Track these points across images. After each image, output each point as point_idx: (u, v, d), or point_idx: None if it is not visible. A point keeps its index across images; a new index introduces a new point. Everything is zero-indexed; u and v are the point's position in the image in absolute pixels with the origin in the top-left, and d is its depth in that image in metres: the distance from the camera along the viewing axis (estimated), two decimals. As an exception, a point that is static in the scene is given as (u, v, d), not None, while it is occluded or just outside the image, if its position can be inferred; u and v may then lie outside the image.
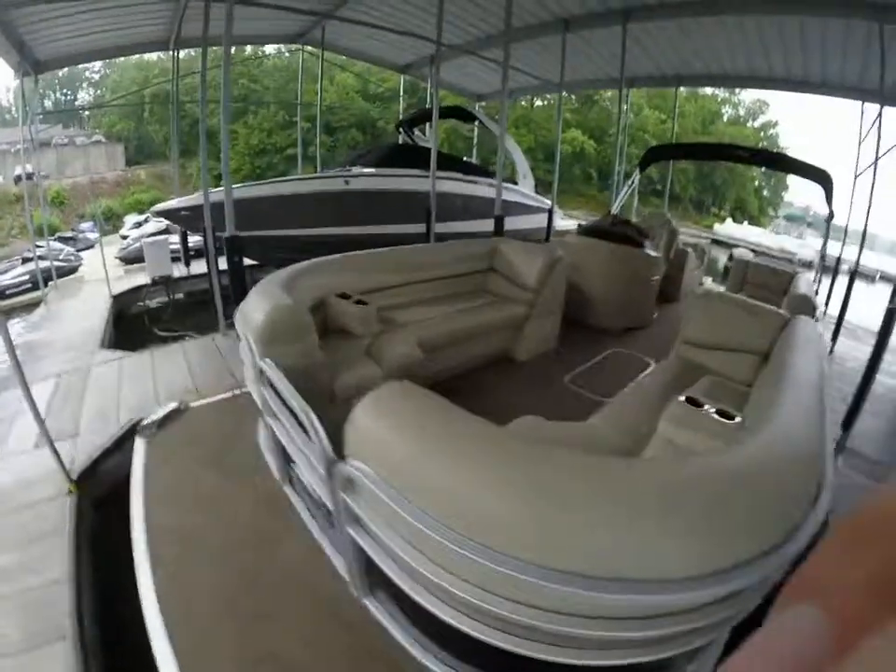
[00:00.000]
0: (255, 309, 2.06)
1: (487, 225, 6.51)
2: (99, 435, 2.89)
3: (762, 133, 28.75)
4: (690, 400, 1.82)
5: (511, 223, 7.19)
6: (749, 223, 24.78)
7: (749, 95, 27.78)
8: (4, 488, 2.54)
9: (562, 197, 11.87)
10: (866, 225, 6.34)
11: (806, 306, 3.98)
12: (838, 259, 7.41)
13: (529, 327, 3.50)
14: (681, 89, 10.73)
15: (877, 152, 6.10)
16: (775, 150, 6.17)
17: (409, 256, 3.30)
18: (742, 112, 29.25)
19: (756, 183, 29.18)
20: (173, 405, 2.79)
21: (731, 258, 8.77)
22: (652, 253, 4.73)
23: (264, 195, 6.37)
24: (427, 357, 2.70)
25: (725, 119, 28.88)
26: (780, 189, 30.36)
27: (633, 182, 7.15)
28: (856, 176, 6.59)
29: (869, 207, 6.17)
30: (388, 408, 1.32)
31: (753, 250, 15.47)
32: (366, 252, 3.07)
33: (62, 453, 2.51)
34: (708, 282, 7.80)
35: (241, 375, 2.61)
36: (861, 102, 6.99)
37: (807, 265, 18.15)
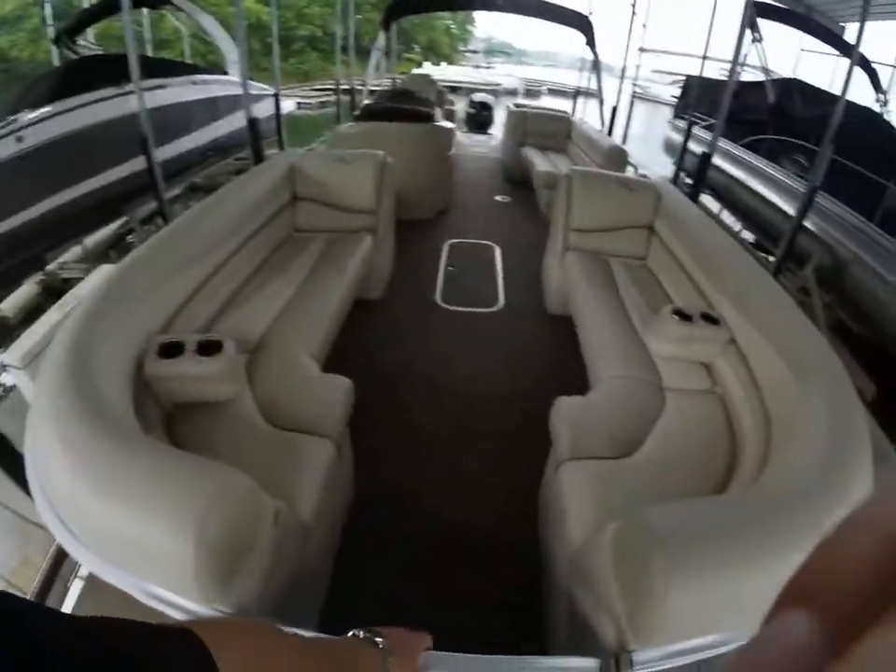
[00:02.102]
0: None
1: (210, 134, 5.91)
2: None
3: None
4: (678, 313, 1.88)
5: (239, 120, 5.79)
6: (445, 62, 25.69)
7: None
8: None
9: (250, 75, 10.25)
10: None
11: (623, 156, 4.25)
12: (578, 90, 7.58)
13: (379, 254, 2.80)
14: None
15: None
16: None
17: (191, 233, 1.94)
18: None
19: (446, 23, 29.21)
20: None
21: (471, 103, 9.07)
22: (446, 125, 4.30)
23: None
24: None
25: None
26: (467, 23, 31.78)
27: (379, 43, 6.48)
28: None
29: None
30: None
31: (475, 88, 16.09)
32: (132, 258, 1.69)
33: None
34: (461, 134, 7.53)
35: None
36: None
37: (512, 93, 20.82)
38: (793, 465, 1.16)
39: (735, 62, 3.52)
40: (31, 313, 4.54)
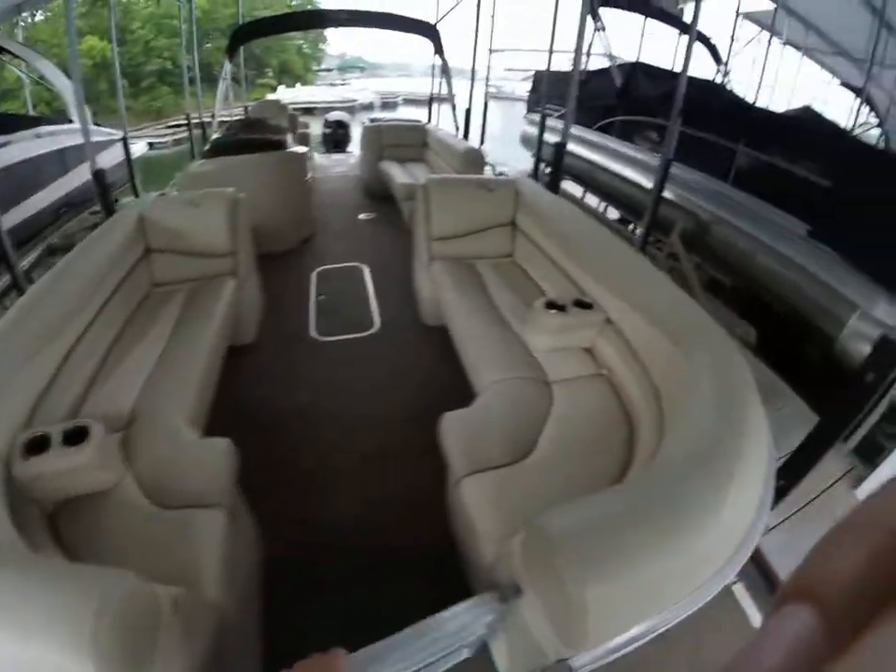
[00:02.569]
0: None
1: (61, 189, 5.53)
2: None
3: None
4: (550, 305, 1.90)
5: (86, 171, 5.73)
6: (299, 83, 26.02)
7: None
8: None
9: (98, 119, 9.78)
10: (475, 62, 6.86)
11: (480, 157, 4.31)
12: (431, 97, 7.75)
13: (244, 296, 2.62)
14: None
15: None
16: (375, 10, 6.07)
17: (42, 309, 1.73)
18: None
19: (297, 43, 28.69)
20: None
21: (326, 123, 8.93)
22: (299, 150, 4.20)
23: None
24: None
25: None
26: (319, 42, 30.96)
27: (225, 73, 6.21)
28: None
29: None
30: None
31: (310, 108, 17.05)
32: None
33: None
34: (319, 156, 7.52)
35: None
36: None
37: (369, 107, 21.91)
38: (686, 435, 1.17)
39: (578, 51, 3.66)
40: None
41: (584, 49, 7.73)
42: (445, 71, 6.08)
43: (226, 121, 6.97)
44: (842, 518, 0.14)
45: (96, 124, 7.15)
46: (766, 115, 5.58)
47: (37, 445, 1.32)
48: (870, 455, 2.32)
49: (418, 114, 7.93)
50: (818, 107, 7.43)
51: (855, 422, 1.91)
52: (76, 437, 1.35)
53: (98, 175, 3.78)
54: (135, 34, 21.50)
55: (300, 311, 3.03)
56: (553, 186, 3.96)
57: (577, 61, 3.71)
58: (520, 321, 2.10)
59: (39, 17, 19.89)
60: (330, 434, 2.12)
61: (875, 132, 7.38)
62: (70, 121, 6.73)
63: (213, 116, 6.16)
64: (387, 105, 23.83)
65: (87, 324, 1.89)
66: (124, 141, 6.55)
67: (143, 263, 2.47)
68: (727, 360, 1.37)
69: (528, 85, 9.68)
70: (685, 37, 5.92)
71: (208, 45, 20.93)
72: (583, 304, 1.91)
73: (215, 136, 5.09)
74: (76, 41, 3.71)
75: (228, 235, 2.58)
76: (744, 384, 1.28)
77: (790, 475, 1.96)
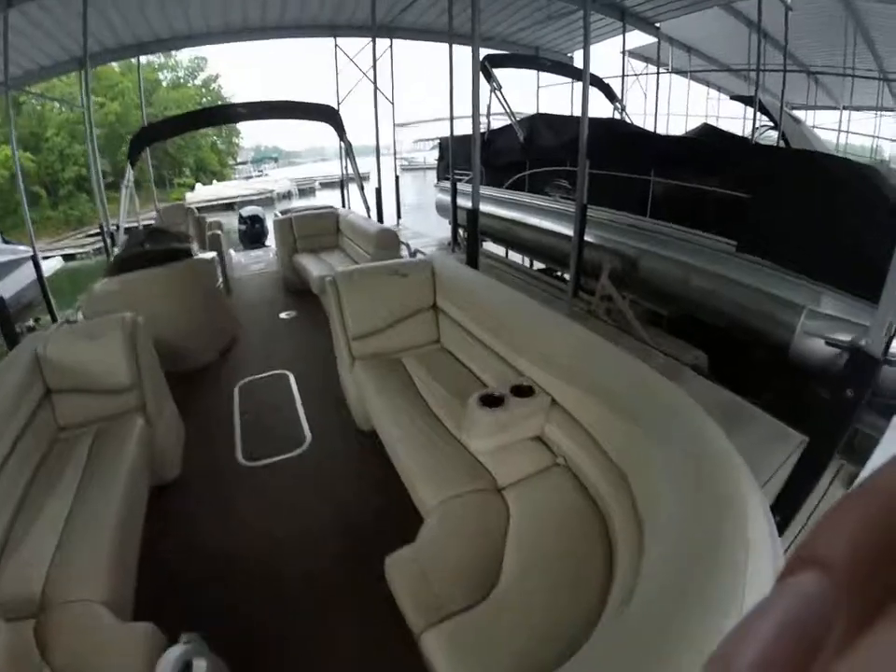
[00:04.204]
0: None
1: None
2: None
3: (203, 90, 28.29)
4: (486, 400, 1.68)
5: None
6: (217, 180, 26.65)
7: (185, 55, 26.88)
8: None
9: (13, 233, 10.04)
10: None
11: (394, 238, 4.19)
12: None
13: (158, 432, 2.35)
14: (114, 65, 9.38)
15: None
16: (272, 100, 6.23)
17: None
18: (182, 73, 27.95)
19: (211, 139, 28.84)
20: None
21: (241, 219, 8.87)
22: (205, 255, 3.99)
23: None
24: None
25: (165, 83, 27.04)
26: (233, 136, 30.98)
27: (128, 180, 5.86)
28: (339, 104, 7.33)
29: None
30: None
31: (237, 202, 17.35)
32: None
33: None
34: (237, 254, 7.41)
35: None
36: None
37: (287, 195, 22.56)
38: (667, 540, 1.01)
39: (475, 113, 3.68)
40: None
41: (483, 111, 8.13)
42: (349, 153, 6.05)
43: (135, 226, 6.69)
44: (853, 487, 0.13)
45: (5, 241, 6.87)
46: (670, 140, 5.75)
47: None
48: (853, 452, 2.29)
49: (335, 197, 7.91)
50: (714, 123, 7.89)
51: (844, 439, 1.88)
52: None
53: None
54: (50, 141, 20.96)
55: (224, 434, 2.75)
56: (472, 257, 3.86)
57: (475, 122, 3.71)
58: (455, 421, 1.89)
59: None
60: (264, 582, 1.85)
61: (773, 133, 7.71)
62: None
63: (117, 227, 5.90)
64: (304, 191, 24.28)
65: None
66: (34, 259, 6.29)
67: (44, 406, 2.20)
68: (692, 424, 1.23)
69: (437, 153, 9.96)
70: (579, 84, 6.27)
71: (123, 148, 20.45)
72: (523, 391, 1.70)
73: (115, 251, 4.84)
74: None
75: (128, 367, 2.31)
76: (719, 451, 1.14)
77: (785, 506, 1.89)
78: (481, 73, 6.57)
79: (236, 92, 30.37)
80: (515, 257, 7.10)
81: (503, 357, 2.01)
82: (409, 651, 1.35)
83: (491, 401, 1.67)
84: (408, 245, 4.25)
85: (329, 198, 8.50)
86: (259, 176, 28.21)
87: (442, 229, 8.03)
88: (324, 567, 1.86)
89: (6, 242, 6.87)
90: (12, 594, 1.47)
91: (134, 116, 21.35)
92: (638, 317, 4.03)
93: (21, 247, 6.86)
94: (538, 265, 6.78)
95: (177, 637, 1.20)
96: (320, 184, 24.87)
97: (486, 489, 1.61)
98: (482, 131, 9.28)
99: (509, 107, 6.73)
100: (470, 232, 3.90)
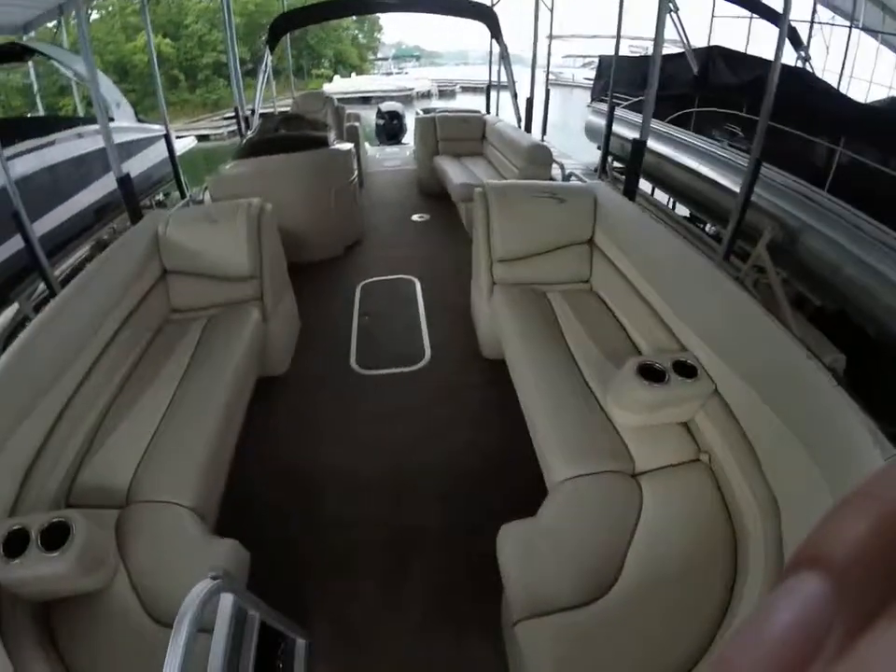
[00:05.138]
0: None
1: (106, 188, 5.35)
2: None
3: None
4: (644, 370, 1.44)
5: (138, 164, 5.63)
6: (355, 73, 26.06)
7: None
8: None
9: (153, 114, 9.49)
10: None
11: (547, 155, 3.76)
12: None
13: (272, 326, 2.30)
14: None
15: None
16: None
17: (43, 347, 1.56)
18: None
19: (352, 33, 28.78)
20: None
21: (379, 113, 8.62)
22: (343, 147, 3.79)
23: None
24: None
25: None
26: (375, 31, 30.99)
27: (265, 66, 5.99)
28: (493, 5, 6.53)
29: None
30: None
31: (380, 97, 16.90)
32: None
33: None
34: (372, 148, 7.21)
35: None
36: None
37: (426, 95, 22.40)
38: None
39: (659, 32, 3.13)
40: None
41: (649, 33, 7.15)
42: (504, 57, 5.64)
43: (271, 112, 6.77)
44: (854, 489, 0.13)
45: (139, 120, 7.18)
46: (869, 108, 4.82)
47: (16, 542, 1.11)
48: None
49: (476, 102, 7.55)
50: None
51: None
52: (57, 535, 1.11)
53: (123, 181, 3.66)
54: (189, 28, 22.09)
55: (340, 334, 2.68)
56: (630, 191, 3.46)
57: (658, 41, 3.17)
58: (601, 383, 1.68)
59: (95, 16, 20.54)
60: (363, 502, 1.79)
61: None
62: (112, 120, 6.52)
63: (252, 111, 6.01)
64: (445, 93, 23.77)
65: (88, 368, 1.62)
66: (166, 137, 6.52)
67: (158, 287, 2.18)
68: (866, 454, 1.01)
69: (588, 72, 9.07)
70: (757, 21, 5.27)
71: (262, 37, 20.99)
72: (687, 369, 1.46)
73: (249, 134, 4.84)
74: (88, 44, 3.69)
75: (249, 255, 2.23)
76: None
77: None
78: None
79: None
80: (658, 195, 6.50)
81: (661, 318, 1.75)
82: (492, 634, 1.31)
83: (650, 374, 1.45)
84: (562, 166, 3.82)
85: (469, 102, 8.17)
86: (398, 74, 27.65)
87: (588, 152, 7.45)
88: (422, 510, 1.75)
89: (140, 121, 7.17)
90: (100, 482, 1.45)
91: (275, 6, 21.59)
92: (787, 297, 3.61)
93: (155, 126, 7.12)
94: (681, 209, 6.18)
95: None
96: (461, 87, 24.25)
97: (622, 471, 1.46)
98: (647, 55, 8.26)
99: (685, 33, 5.85)
100: (632, 166, 3.50)
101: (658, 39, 3.17)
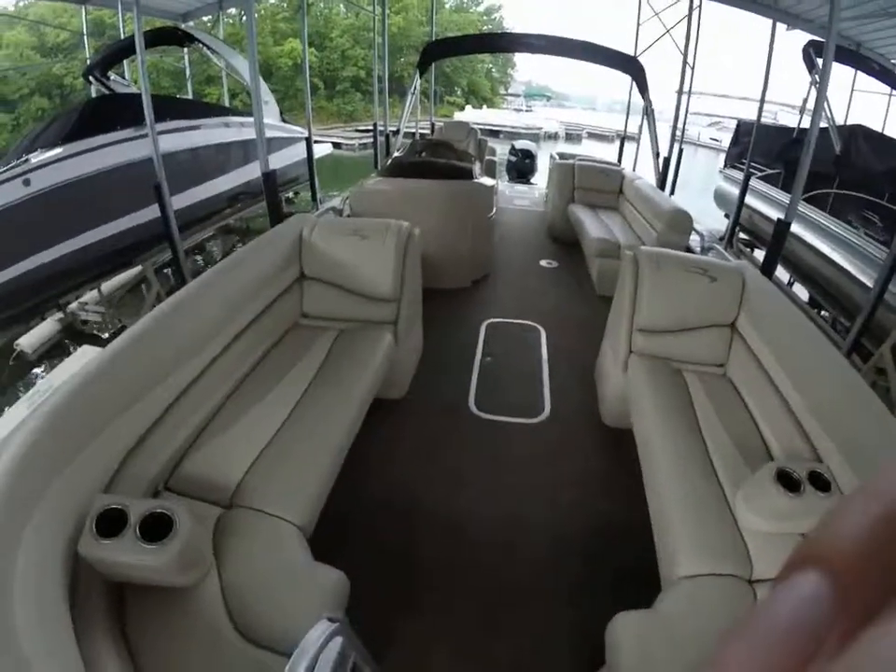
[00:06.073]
0: None
1: (242, 178, 5.82)
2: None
3: (485, 17, 29.81)
4: (782, 478, 1.35)
5: (275, 162, 5.54)
6: (486, 105, 27.01)
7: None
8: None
9: (293, 115, 10.45)
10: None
11: (688, 222, 3.53)
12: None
13: (400, 348, 2.27)
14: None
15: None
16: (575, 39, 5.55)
17: (174, 326, 1.57)
18: (466, -1, 29.45)
19: (487, 66, 29.94)
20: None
21: (512, 150, 8.74)
22: (487, 181, 3.70)
23: None
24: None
25: (448, 6, 28.96)
26: (508, 66, 32.18)
27: (414, 88, 6.19)
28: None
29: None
30: None
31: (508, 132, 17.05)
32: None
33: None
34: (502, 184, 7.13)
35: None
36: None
37: (553, 136, 22.61)
38: None
39: (819, 106, 3.07)
40: (50, 350, 4.50)
41: (801, 105, 6.88)
42: (649, 113, 5.51)
43: (411, 132, 7.18)
44: (858, 487, 0.13)
45: (284, 120, 7.79)
46: None
47: (111, 521, 1.02)
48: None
49: (601, 150, 7.57)
50: None
51: None
52: (156, 526, 1.02)
53: (268, 176, 3.87)
54: (334, 41, 23.95)
55: (461, 370, 2.63)
56: (767, 272, 3.26)
57: (815, 120, 3.03)
58: (732, 480, 1.58)
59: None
60: (462, 553, 1.73)
61: None
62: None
63: (398, 129, 6.31)
64: (571, 136, 23.92)
65: (212, 359, 1.62)
66: (308, 141, 7.00)
67: (293, 290, 2.20)
68: None
69: (714, 132, 8.88)
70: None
71: (401, 59, 23.00)
72: (820, 480, 1.38)
73: (396, 154, 4.98)
74: (255, 40, 3.84)
75: (393, 277, 2.20)
76: None
77: None
78: (803, 62, 5.56)
79: (514, 26, 31.66)
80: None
81: (796, 417, 1.63)
82: None
83: (786, 480, 1.38)
84: (702, 236, 3.62)
85: (595, 149, 8.23)
86: (526, 111, 28.30)
87: (709, 215, 7.16)
88: (526, 567, 1.67)
89: (283, 121, 7.72)
90: (206, 472, 1.42)
91: (416, 32, 23.84)
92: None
93: (297, 128, 7.72)
94: (801, 290, 5.86)
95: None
96: (588, 133, 24.29)
97: (740, 577, 1.38)
98: (790, 126, 7.79)
99: (830, 109, 5.55)
100: (774, 248, 3.30)
101: (815, 118, 3.04)
